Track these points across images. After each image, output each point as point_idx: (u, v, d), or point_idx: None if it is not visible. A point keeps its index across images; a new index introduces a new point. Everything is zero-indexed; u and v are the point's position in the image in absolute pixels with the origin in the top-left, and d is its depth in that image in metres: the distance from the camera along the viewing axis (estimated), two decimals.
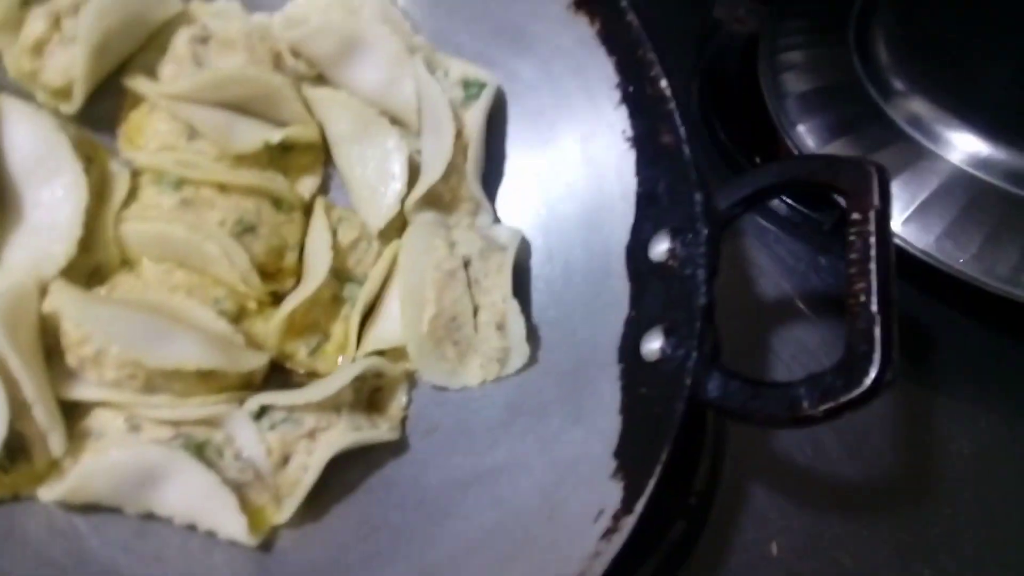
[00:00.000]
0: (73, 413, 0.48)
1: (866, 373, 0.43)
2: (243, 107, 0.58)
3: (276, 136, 0.58)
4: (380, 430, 0.55)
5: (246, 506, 0.49)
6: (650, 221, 0.58)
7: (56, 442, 0.45)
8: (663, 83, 0.58)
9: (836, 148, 0.69)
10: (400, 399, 0.58)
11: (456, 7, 0.65)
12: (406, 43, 0.62)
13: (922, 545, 0.60)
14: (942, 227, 0.63)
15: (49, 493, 0.45)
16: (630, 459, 0.50)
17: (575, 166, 0.63)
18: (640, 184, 0.59)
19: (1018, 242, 0.63)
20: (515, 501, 0.53)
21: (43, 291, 0.48)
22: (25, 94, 0.54)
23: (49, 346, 0.48)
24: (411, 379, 0.60)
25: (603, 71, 0.61)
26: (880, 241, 0.47)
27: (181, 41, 0.57)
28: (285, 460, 0.51)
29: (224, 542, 0.49)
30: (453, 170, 0.62)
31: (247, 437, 0.50)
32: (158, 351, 0.47)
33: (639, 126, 0.60)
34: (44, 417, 0.44)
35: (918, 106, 0.68)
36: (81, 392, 0.47)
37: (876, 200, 0.48)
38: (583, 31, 0.61)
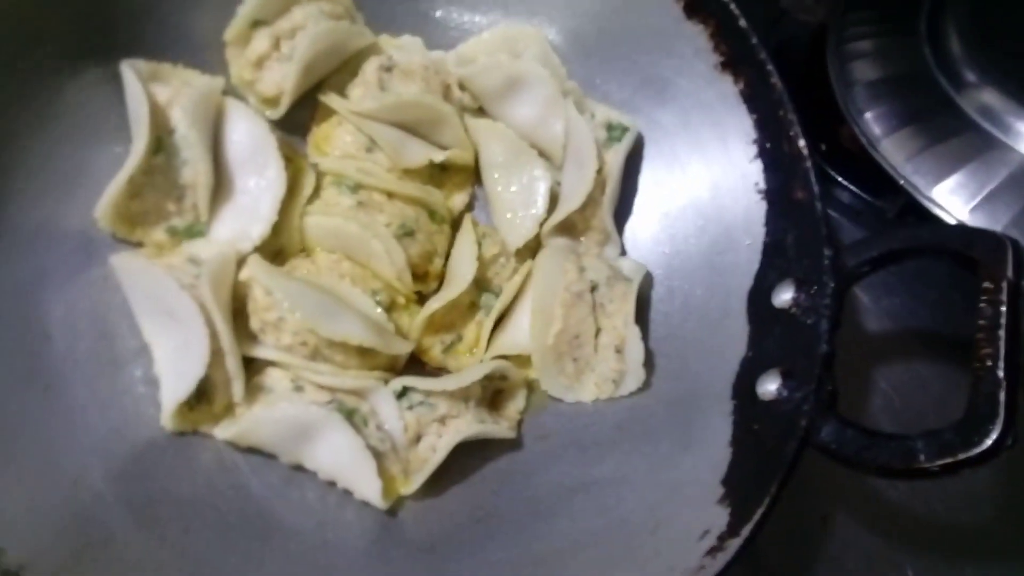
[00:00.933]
0: (248, 369, 0.55)
1: (987, 435, 0.46)
2: (414, 128, 0.66)
3: (439, 156, 0.65)
4: (500, 427, 0.60)
5: (382, 474, 0.55)
6: (775, 270, 0.61)
7: (238, 389, 0.52)
8: (801, 143, 0.62)
9: (903, 136, 0.70)
10: (518, 403, 0.63)
11: (609, 59, 0.72)
12: (560, 86, 0.69)
13: None
14: (1010, 216, 0.63)
15: (224, 432, 0.52)
16: (738, 488, 0.53)
17: (704, 210, 0.68)
18: (768, 234, 0.63)
19: None
20: (620, 511, 0.56)
21: (239, 262, 0.57)
22: (240, 97, 0.64)
23: (236, 310, 0.56)
24: (530, 386, 0.65)
25: (742, 126, 0.65)
26: (1011, 311, 0.49)
27: (370, 68, 0.66)
28: (417, 438, 0.57)
29: (357, 502, 0.55)
30: (590, 202, 0.68)
31: (389, 412, 0.56)
32: (330, 324, 0.54)
33: (772, 180, 0.64)
34: (233, 366, 0.52)
35: (989, 97, 0.69)
36: (260, 351, 0.55)
37: (1010, 272, 0.50)
38: (727, 88, 0.66)
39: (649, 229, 0.70)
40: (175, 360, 0.51)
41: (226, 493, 0.51)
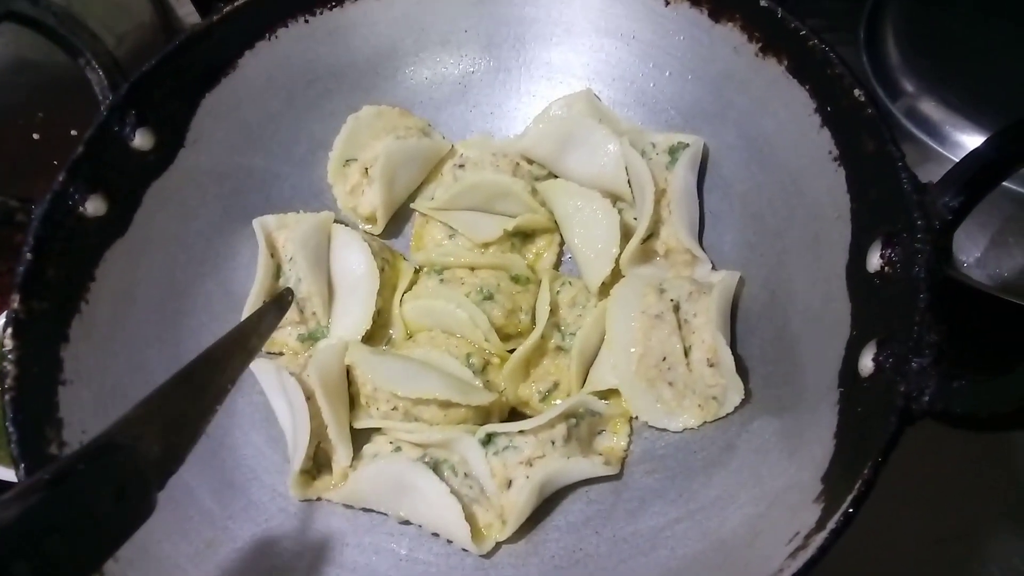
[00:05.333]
0: (360, 439, 0.63)
1: None
2: (488, 207, 0.73)
3: (510, 225, 0.71)
4: (593, 463, 0.59)
5: (473, 521, 0.57)
6: (866, 233, 0.55)
7: (343, 454, 0.60)
8: (857, 92, 0.57)
9: None
10: (621, 440, 0.62)
11: (657, 92, 0.73)
12: (614, 128, 0.71)
13: None
14: None
15: (336, 495, 0.60)
16: (835, 480, 0.45)
17: (789, 199, 0.63)
18: (853, 199, 0.57)
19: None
20: (721, 532, 0.51)
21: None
22: (351, 222, 0.77)
23: (354, 392, 0.66)
24: (633, 422, 0.63)
25: (800, 101, 0.62)
26: None
27: (447, 169, 0.76)
28: (508, 483, 0.58)
29: (458, 549, 0.57)
30: (661, 226, 0.67)
31: (475, 459, 0.59)
32: (408, 384, 0.60)
33: (843, 142, 0.58)
34: (335, 435, 0.60)
35: (926, 106, 0.69)
36: (365, 422, 0.63)
37: None
38: (774, 71, 0.64)
39: (739, 236, 0.67)
40: (293, 438, 0.61)
41: (347, 549, 0.58)
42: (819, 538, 0.41)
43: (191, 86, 0.69)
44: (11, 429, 0.51)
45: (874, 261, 0.52)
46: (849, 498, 0.41)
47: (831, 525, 0.41)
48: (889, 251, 0.51)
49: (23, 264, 0.57)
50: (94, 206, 0.62)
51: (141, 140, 0.66)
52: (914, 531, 0.65)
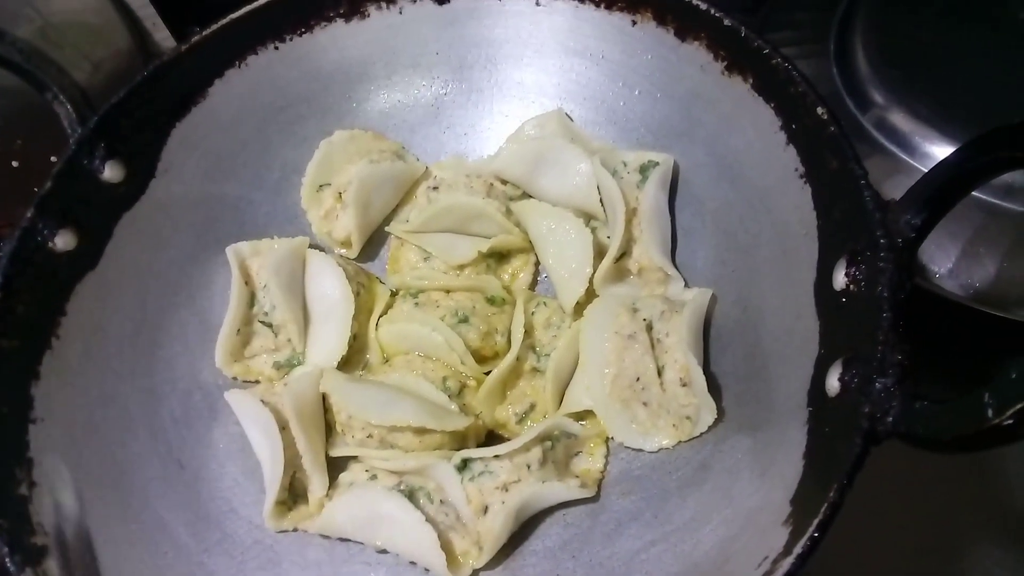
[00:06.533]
0: (336, 468, 0.63)
1: None
2: (463, 228, 0.73)
3: (484, 247, 0.71)
4: (569, 487, 0.58)
5: (450, 548, 0.57)
6: (832, 251, 0.55)
7: (318, 484, 0.60)
8: (820, 110, 0.57)
9: None
10: (597, 462, 0.62)
11: (627, 111, 0.73)
12: (585, 148, 0.72)
13: None
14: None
15: (312, 526, 0.59)
16: (804, 502, 0.45)
17: (757, 216, 0.64)
18: (819, 216, 0.58)
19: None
20: (695, 555, 0.51)
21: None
22: (326, 247, 0.77)
23: (330, 420, 0.65)
24: (609, 443, 0.63)
25: (766, 119, 0.62)
26: None
27: (420, 192, 0.76)
28: (484, 509, 0.58)
29: None
30: (633, 244, 0.68)
31: (451, 486, 0.58)
32: (381, 412, 0.60)
33: (808, 160, 0.59)
34: (309, 465, 0.60)
35: (895, 117, 0.70)
36: (341, 450, 0.63)
37: None
38: (740, 89, 0.64)
39: (711, 253, 0.67)
40: (268, 468, 0.61)
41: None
42: (786, 563, 0.41)
43: (161, 116, 0.69)
44: None
45: (840, 279, 0.52)
46: (815, 522, 0.41)
47: (797, 550, 0.41)
48: (854, 269, 0.51)
49: None
50: (64, 240, 0.62)
51: (111, 172, 0.66)
52: (892, 543, 0.65)
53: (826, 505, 0.41)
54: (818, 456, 0.47)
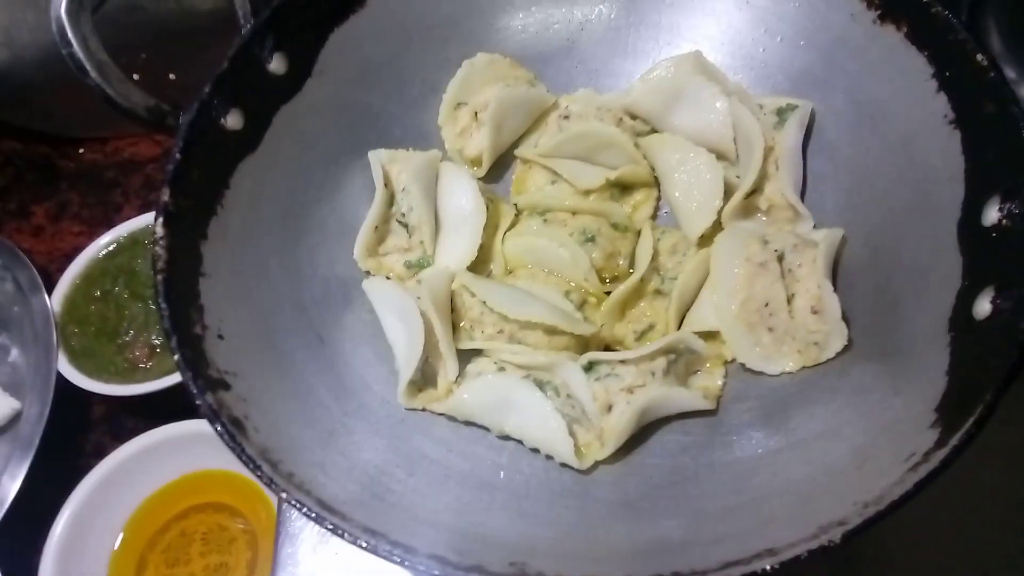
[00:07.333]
0: (464, 360, 0.66)
1: None
2: (590, 157, 0.76)
3: (613, 174, 0.73)
4: (693, 395, 0.61)
5: (574, 439, 0.59)
6: (982, 191, 0.56)
7: (451, 368, 0.63)
8: (979, 57, 0.58)
9: None
10: (717, 379, 0.64)
11: (767, 56, 0.75)
12: (721, 87, 0.74)
13: None
14: None
15: (441, 407, 0.63)
16: (951, 409, 0.47)
17: (897, 162, 0.65)
18: (968, 159, 0.59)
19: None
20: (827, 460, 0.53)
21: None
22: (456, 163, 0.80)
23: (457, 316, 0.69)
24: (730, 364, 0.65)
25: (918, 68, 0.63)
26: None
27: (552, 120, 0.79)
28: (608, 408, 0.61)
29: (556, 465, 0.60)
30: (766, 182, 0.69)
31: (577, 383, 0.61)
32: (518, 309, 0.63)
33: (960, 106, 0.60)
34: (445, 350, 0.63)
35: None
36: (469, 344, 0.66)
37: None
38: (892, 39, 0.65)
39: (842, 198, 0.69)
40: (405, 352, 0.64)
41: (447, 438, 0.62)
42: (941, 453, 0.43)
43: (324, 19, 0.73)
44: (163, 306, 0.54)
45: (991, 215, 0.54)
46: (971, 419, 0.43)
47: (953, 442, 0.43)
48: (1009, 204, 0.52)
49: (172, 163, 0.61)
50: (233, 119, 0.66)
51: (276, 64, 0.69)
52: (994, 496, 0.66)
53: (982, 405, 0.43)
54: (966, 371, 0.49)
